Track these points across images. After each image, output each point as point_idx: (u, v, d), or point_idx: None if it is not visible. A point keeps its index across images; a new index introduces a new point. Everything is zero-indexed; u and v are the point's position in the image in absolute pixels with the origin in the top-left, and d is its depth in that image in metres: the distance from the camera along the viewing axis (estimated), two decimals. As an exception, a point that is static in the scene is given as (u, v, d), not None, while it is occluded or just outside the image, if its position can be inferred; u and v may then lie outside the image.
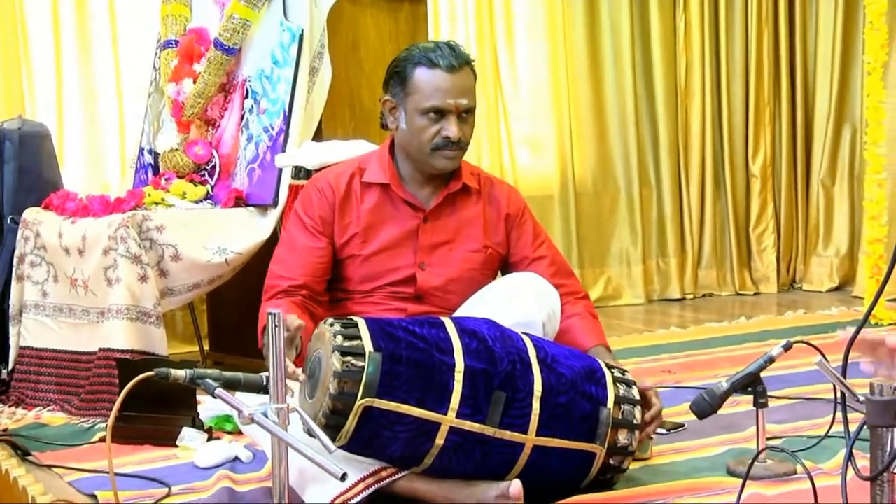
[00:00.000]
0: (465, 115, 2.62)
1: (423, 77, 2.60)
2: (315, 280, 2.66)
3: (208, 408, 3.01)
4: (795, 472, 2.43)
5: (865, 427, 1.80)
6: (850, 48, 5.47)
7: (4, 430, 3.10)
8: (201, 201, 3.76)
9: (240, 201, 3.68)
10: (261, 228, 3.60)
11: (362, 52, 3.97)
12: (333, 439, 2.08)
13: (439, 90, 2.58)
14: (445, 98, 2.59)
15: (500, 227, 2.77)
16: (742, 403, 2.87)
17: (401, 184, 2.70)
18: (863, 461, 1.86)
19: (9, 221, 3.72)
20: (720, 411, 2.45)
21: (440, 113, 2.59)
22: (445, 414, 2.16)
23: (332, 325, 2.19)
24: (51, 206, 3.68)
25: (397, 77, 2.65)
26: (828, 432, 2.62)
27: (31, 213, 3.68)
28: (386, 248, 2.68)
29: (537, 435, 2.23)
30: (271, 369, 1.92)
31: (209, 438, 2.92)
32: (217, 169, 3.87)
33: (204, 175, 3.89)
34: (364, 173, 2.72)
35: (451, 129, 2.59)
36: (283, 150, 3.63)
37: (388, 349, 2.15)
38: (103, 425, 3.15)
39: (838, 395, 2.05)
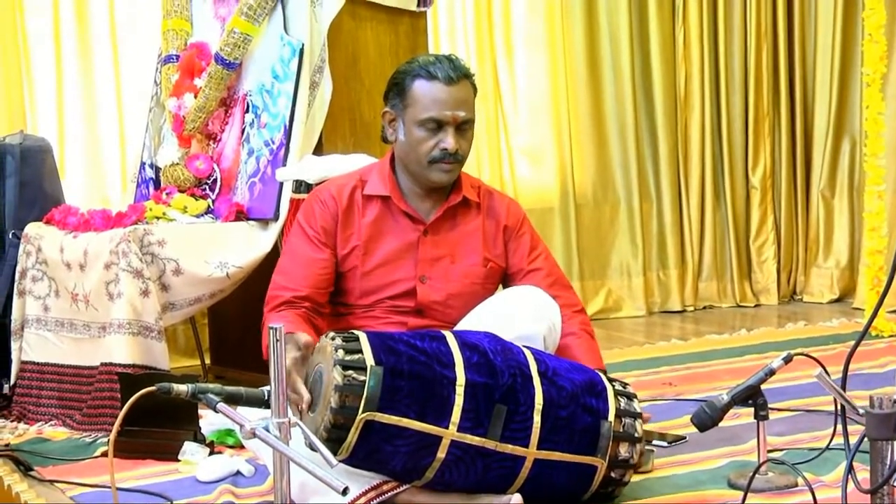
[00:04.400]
0: (464, 127, 2.63)
1: (421, 89, 2.61)
2: (318, 292, 2.66)
3: (210, 422, 3.01)
4: (796, 485, 2.43)
5: (866, 440, 1.81)
6: (848, 60, 5.47)
7: (6, 446, 3.10)
8: (202, 215, 3.76)
9: (241, 215, 3.68)
10: (262, 242, 3.60)
11: (362, 66, 3.97)
12: (335, 453, 2.09)
13: (437, 102, 2.59)
14: (443, 110, 2.59)
15: (498, 240, 2.77)
16: (743, 416, 2.87)
17: (401, 197, 2.71)
18: (863, 474, 1.87)
19: (10, 236, 3.72)
20: (721, 424, 2.45)
21: (438, 125, 2.60)
22: (447, 427, 2.16)
23: (333, 338, 2.20)
24: (52, 220, 3.69)
25: (397, 89, 2.66)
26: (828, 445, 2.62)
27: (32, 228, 3.69)
28: (386, 262, 2.68)
29: (538, 448, 2.23)
30: (273, 384, 1.92)
31: (211, 453, 2.92)
32: (218, 183, 3.88)
33: (205, 189, 3.90)
34: (365, 186, 2.73)
35: (449, 141, 2.60)
36: (284, 164, 3.63)
37: (389, 363, 2.15)
38: (105, 440, 3.15)
39: (838, 407, 2.05)
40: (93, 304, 3.43)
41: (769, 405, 2.45)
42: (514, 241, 2.79)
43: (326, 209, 2.70)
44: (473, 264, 2.73)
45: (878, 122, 4.40)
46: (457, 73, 2.61)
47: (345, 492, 1.76)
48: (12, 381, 3.61)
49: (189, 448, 2.89)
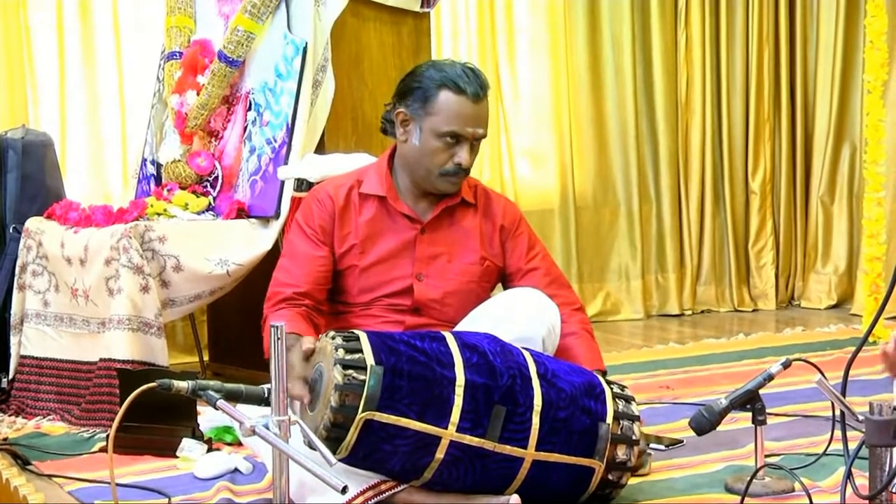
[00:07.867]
0: (476, 142, 2.66)
1: (448, 101, 2.61)
2: (318, 288, 2.67)
3: (208, 419, 3.01)
4: (794, 490, 2.44)
5: (864, 446, 1.81)
6: (850, 67, 5.48)
7: (5, 440, 3.10)
8: (203, 213, 3.77)
9: (242, 213, 3.69)
10: (262, 240, 3.60)
11: (365, 66, 3.98)
12: (334, 452, 2.09)
13: (460, 117, 2.61)
14: (465, 126, 2.61)
15: (495, 239, 2.78)
16: (741, 420, 2.87)
17: (397, 196, 2.72)
18: (861, 480, 1.88)
19: (11, 230, 3.73)
20: (719, 428, 2.46)
21: (457, 139, 2.61)
22: (446, 428, 2.17)
23: (333, 337, 2.20)
24: (53, 215, 3.69)
25: (420, 93, 2.64)
26: (826, 450, 2.63)
27: (33, 223, 3.69)
28: (383, 260, 2.69)
29: (537, 449, 2.24)
30: (273, 382, 1.93)
31: (209, 449, 2.92)
32: (219, 180, 3.88)
33: (206, 186, 3.90)
34: (362, 185, 2.74)
35: (463, 156, 2.62)
36: (286, 163, 3.63)
37: (389, 363, 2.16)
38: (103, 435, 3.16)
39: (837, 413, 2.05)
40: (92, 300, 3.44)
41: (767, 410, 2.45)
42: (512, 241, 2.80)
43: (323, 208, 2.71)
44: (470, 263, 2.73)
45: (879, 129, 4.40)
46: (483, 90, 2.64)
47: (343, 490, 1.76)
48: (11, 376, 3.61)
49: (187, 444, 2.89)
